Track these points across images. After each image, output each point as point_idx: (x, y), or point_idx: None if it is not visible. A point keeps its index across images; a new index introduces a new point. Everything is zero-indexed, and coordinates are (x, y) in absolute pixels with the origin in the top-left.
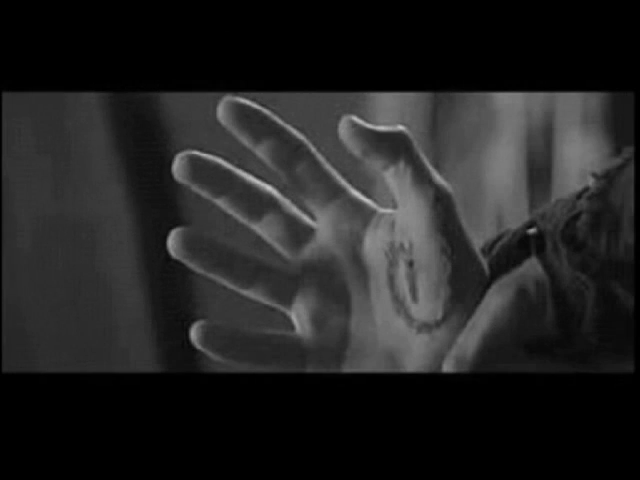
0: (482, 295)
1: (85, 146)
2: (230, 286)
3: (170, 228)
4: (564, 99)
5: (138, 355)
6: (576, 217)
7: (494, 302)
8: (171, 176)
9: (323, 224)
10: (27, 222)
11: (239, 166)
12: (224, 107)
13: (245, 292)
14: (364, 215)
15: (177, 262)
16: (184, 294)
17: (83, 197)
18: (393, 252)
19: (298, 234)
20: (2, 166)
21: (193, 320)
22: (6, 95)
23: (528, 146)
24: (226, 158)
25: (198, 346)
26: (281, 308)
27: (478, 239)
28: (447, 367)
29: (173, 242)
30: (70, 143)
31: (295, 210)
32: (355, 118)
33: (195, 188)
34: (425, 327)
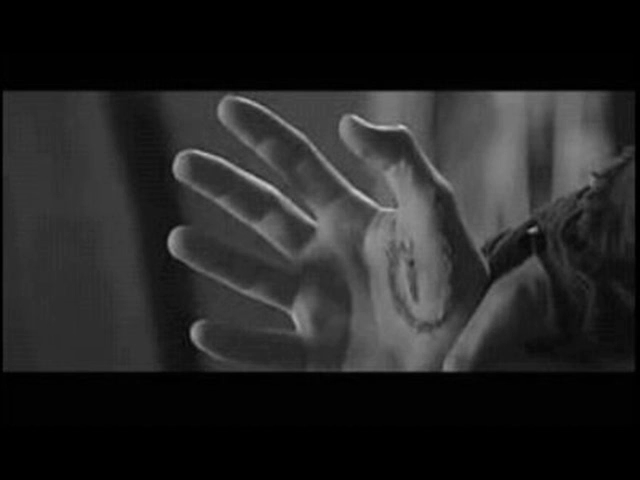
0: (483, 294)
1: (85, 146)
2: (230, 285)
3: (171, 227)
4: (565, 98)
5: (138, 354)
6: (577, 216)
7: (495, 301)
8: (171, 175)
9: (324, 223)
10: (27, 222)
11: (240, 165)
12: (225, 106)
13: (246, 292)
14: (365, 214)
15: (178, 261)
16: (185, 293)
17: (83, 197)
18: (394, 251)
19: (299, 233)
20: (2, 166)
21: (193, 319)
22: (7, 94)
23: (529, 145)
24: (227, 157)
25: (199, 345)
26: (282, 307)
27: (479, 238)
28: (448, 366)
29: (174, 241)
30: (70, 143)
31: (296, 209)
32: (356, 117)
33: (195, 187)
34: (426, 326)
